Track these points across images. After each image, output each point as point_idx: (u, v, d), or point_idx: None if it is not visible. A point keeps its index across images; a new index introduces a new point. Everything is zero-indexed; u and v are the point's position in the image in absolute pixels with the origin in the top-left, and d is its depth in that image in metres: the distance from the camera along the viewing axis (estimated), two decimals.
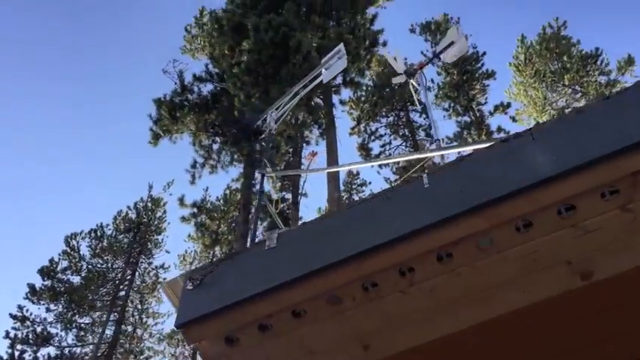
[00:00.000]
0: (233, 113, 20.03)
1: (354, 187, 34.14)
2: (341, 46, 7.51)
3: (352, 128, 26.84)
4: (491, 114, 22.91)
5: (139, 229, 33.73)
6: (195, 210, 18.64)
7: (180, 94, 20.92)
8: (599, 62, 25.59)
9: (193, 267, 32.47)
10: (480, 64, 25.75)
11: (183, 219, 19.06)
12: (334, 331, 2.82)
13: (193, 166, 20.79)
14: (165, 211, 33.89)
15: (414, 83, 7.91)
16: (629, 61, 25.15)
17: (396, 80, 8.21)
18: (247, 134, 7.50)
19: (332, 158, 15.09)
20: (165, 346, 31.13)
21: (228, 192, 23.84)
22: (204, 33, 25.21)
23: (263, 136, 8.02)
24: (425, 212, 2.57)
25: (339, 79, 17.76)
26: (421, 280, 2.59)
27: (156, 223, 34.18)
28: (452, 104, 24.80)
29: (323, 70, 7.66)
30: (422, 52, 26.00)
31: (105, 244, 32.66)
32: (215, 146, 21.81)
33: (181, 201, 18.90)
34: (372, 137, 26.31)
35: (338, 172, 15.17)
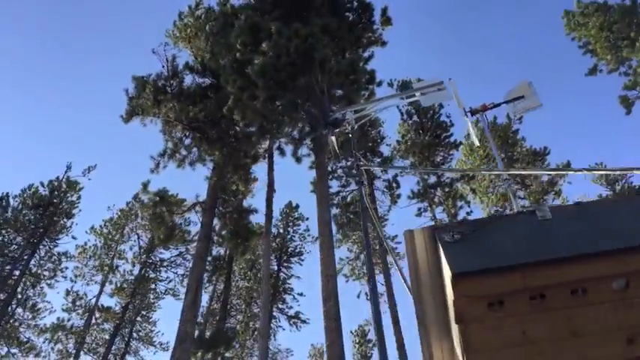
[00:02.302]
0: (219, 111, 19.60)
1: (290, 219, 34.20)
2: (444, 81, 7.68)
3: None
4: (455, 180, 23.68)
5: (48, 209, 31.83)
6: (157, 199, 17.68)
7: (168, 78, 20.23)
8: (544, 162, 27.25)
9: (92, 262, 31.28)
10: (449, 133, 26.71)
11: (143, 205, 18.02)
12: (607, 317, 2.70)
13: (162, 154, 19.93)
14: (80, 197, 32.44)
15: (469, 123, 8.02)
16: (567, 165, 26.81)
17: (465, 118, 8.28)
18: (326, 124, 7.32)
19: (322, 183, 14.92)
20: (44, 340, 29.08)
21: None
22: (198, 23, 24.81)
23: (338, 129, 7.80)
24: None
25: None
26: None
27: (66, 207, 32.47)
28: (418, 161, 25.46)
29: (418, 94, 7.77)
30: None
31: (9, 215, 30.71)
32: (187, 141, 21.13)
33: (145, 186, 17.91)
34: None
35: (327, 193, 15.00)
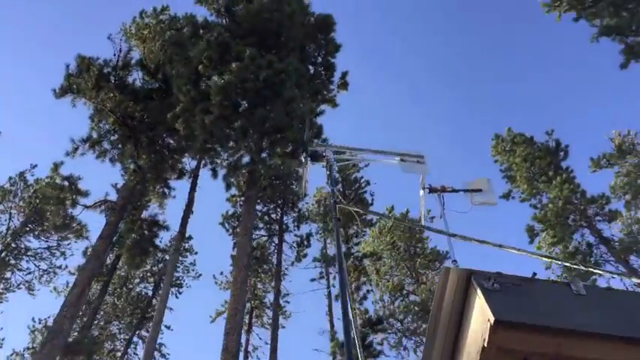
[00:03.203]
0: (159, 116, 18.92)
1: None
2: (424, 155, 7.98)
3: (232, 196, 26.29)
4: (365, 256, 24.03)
5: None
6: (66, 184, 16.41)
7: (116, 68, 19.37)
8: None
9: None
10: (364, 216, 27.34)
11: (48, 185, 16.63)
12: None
13: (84, 140, 18.73)
14: None
15: (422, 202, 8.27)
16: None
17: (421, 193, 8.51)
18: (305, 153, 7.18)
19: (249, 216, 14.59)
20: None
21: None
22: (159, 28, 24.20)
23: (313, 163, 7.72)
24: None
25: None
26: None
27: None
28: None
29: (398, 159, 7.96)
30: None
31: None
32: (114, 137, 20.07)
33: (56, 167, 16.63)
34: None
35: (252, 227, 14.64)
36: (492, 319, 2.69)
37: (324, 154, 7.74)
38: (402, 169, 8.24)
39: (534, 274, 3.10)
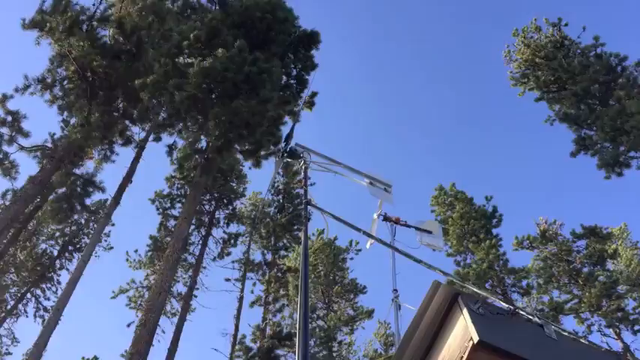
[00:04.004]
0: (123, 78, 18.48)
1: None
2: (392, 185, 8.42)
3: None
4: (289, 270, 24.13)
5: None
6: (9, 118, 15.55)
7: (92, 18, 18.77)
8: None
9: None
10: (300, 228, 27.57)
11: None
12: None
13: (39, 80, 17.96)
14: None
15: (374, 226, 8.63)
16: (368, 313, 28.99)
17: (375, 216, 8.85)
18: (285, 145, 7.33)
19: (195, 199, 14.50)
20: None
21: None
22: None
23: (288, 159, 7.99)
24: None
25: None
26: None
27: None
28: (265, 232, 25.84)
29: (367, 181, 8.32)
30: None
31: None
32: (69, 86, 19.32)
33: (4, 98, 15.77)
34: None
35: (194, 211, 14.50)
36: (476, 339, 2.90)
37: (301, 154, 7.99)
38: (369, 191, 8.64)
39: (515, 308, 3.45)
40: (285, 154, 7.97)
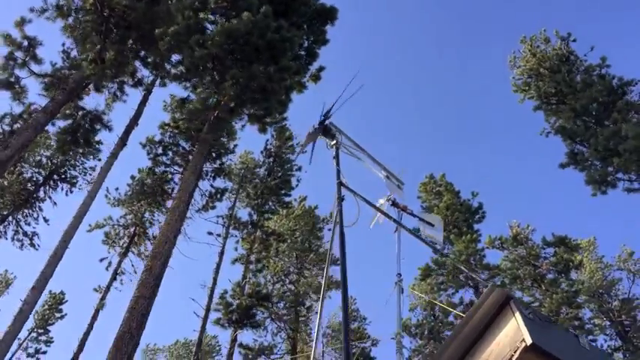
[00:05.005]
0: (142, 21, 18.48)
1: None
2: (404, 184, 9.10)
3: None
4: (273, 233, 24.78)
5: None
6: (25, 43, 15.51)
7: None
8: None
9: None
10: (289, 193, 28.11)
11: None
12: None
13: (57, 6, 17.86)
14: None
15: (380, 207, 9.24)
16: (337, 284, 30.26)
17: (381, 201, 9.42)
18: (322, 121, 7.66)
19: (200, 156, 14.88)
20: None
21: None
22: None
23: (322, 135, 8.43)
24: None
25: None
26: None
27: None
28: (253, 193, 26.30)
29: (384, 173, 8.90)
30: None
31: None
32: (84, 18, 19.21)
33: (22, 21, 15.72)
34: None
35: (202, 166, 14.91)
36: (529, 341, 3.17)
37: (335, 134, 8.43)
38: (384, 182, 9.33)
39: (556, 318, 4.06)
40: (320, 129, 8.35)
